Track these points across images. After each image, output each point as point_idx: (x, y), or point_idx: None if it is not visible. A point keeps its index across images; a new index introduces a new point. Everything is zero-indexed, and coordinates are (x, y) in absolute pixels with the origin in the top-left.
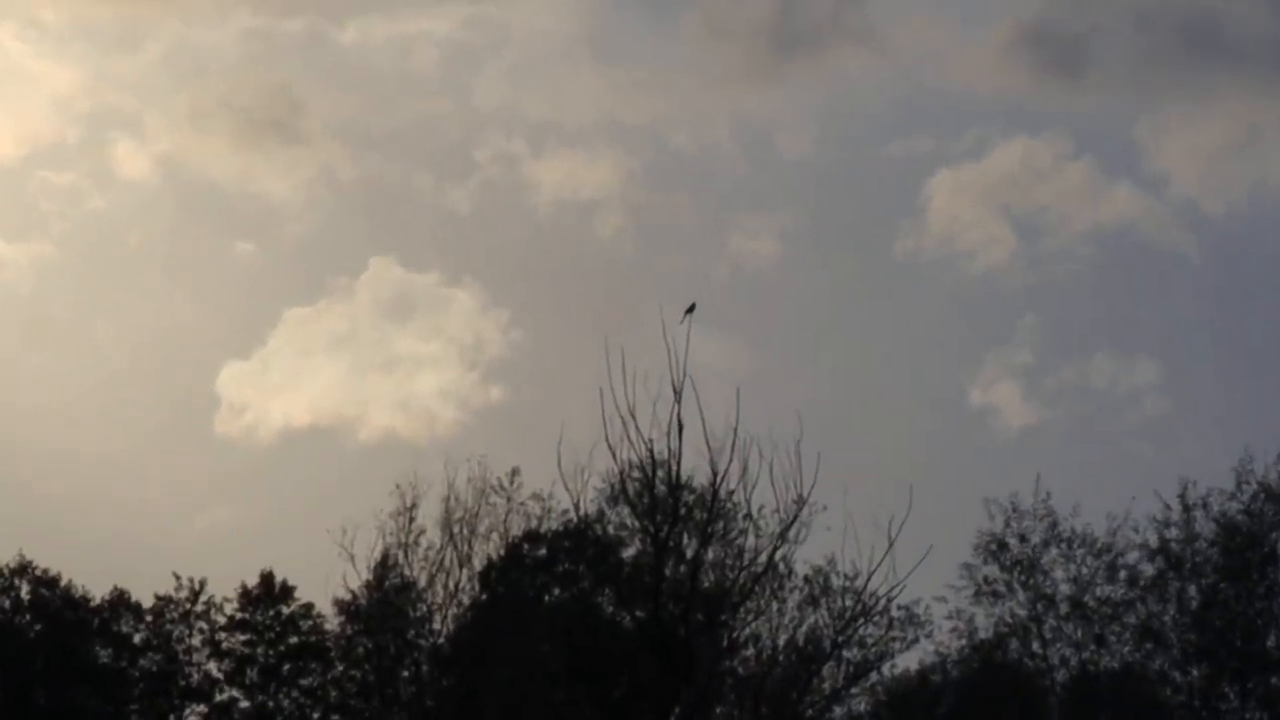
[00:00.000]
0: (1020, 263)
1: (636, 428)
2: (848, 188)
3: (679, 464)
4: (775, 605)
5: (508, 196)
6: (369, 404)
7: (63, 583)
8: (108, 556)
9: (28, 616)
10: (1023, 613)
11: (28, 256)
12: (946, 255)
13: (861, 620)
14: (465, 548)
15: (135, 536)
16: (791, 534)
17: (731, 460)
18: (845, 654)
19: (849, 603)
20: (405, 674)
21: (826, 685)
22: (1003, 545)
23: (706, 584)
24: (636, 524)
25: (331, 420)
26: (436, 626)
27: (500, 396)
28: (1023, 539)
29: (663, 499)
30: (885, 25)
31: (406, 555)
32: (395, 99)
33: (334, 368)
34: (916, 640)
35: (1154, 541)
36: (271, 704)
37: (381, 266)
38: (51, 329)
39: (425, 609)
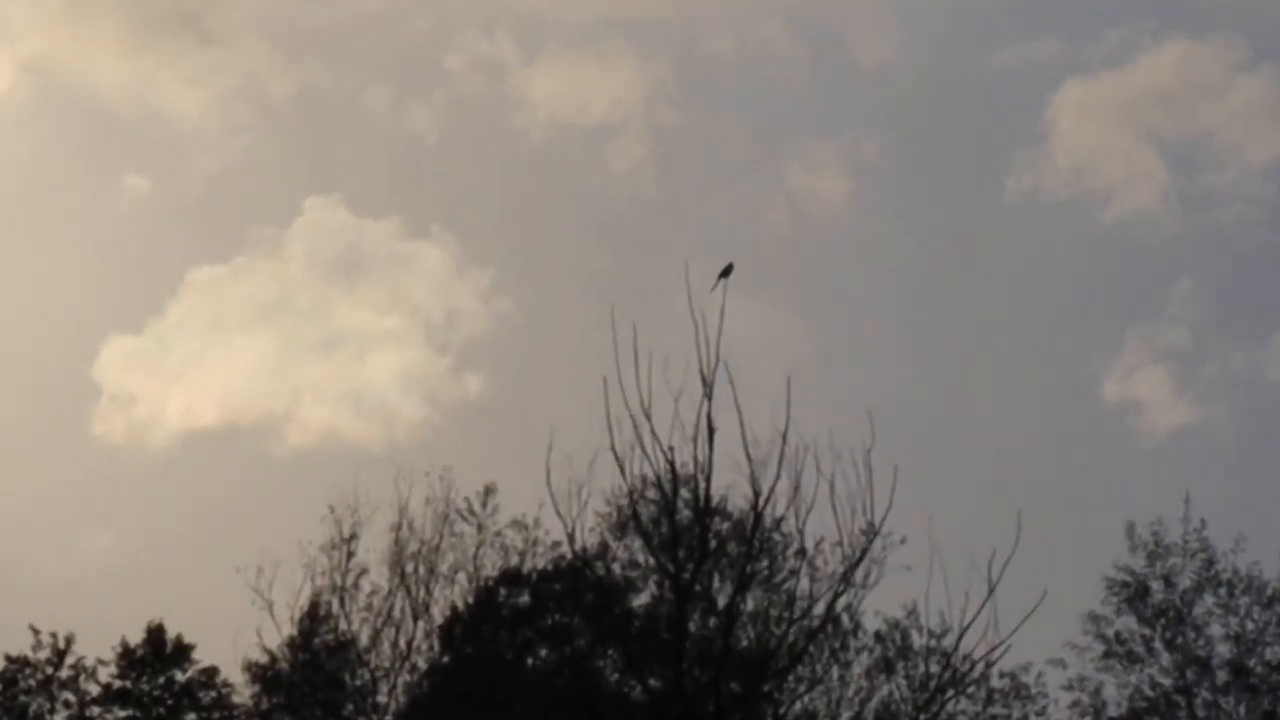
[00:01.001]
0: (1175, 208)
1: (653, 431)
2: (944, 107)
3: (709, 481)
4: (836, 671)
5: (490, 118)
6: (302, 396)
7: None
8: None
9: None
10: (1168, 681)
11: None
12: (1076, 197)
13: (952, 692)
14: (421, 593)
15: None
16: (858, 576)
17: (779, 476)
18: None
19: (935, 668)
20: None
21: None
22: (1142, 590)
23: (744, 642)
24: (651, 562)
25: (250, 418)
26: (383, 699)
27: (478, 388)
28: (1168, 582)
29: (687, 528)
30: None
31: (343, 603)
32: None
33: (255, 347)
34: (1026, 718)
35: None
36: None
37: (321, 210)
38: None
39: (368, 675)
